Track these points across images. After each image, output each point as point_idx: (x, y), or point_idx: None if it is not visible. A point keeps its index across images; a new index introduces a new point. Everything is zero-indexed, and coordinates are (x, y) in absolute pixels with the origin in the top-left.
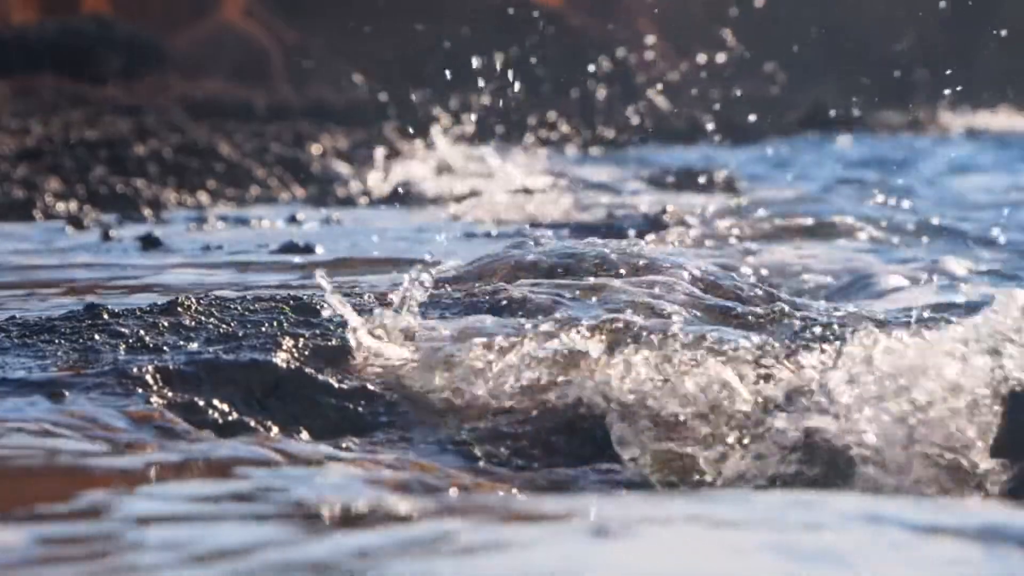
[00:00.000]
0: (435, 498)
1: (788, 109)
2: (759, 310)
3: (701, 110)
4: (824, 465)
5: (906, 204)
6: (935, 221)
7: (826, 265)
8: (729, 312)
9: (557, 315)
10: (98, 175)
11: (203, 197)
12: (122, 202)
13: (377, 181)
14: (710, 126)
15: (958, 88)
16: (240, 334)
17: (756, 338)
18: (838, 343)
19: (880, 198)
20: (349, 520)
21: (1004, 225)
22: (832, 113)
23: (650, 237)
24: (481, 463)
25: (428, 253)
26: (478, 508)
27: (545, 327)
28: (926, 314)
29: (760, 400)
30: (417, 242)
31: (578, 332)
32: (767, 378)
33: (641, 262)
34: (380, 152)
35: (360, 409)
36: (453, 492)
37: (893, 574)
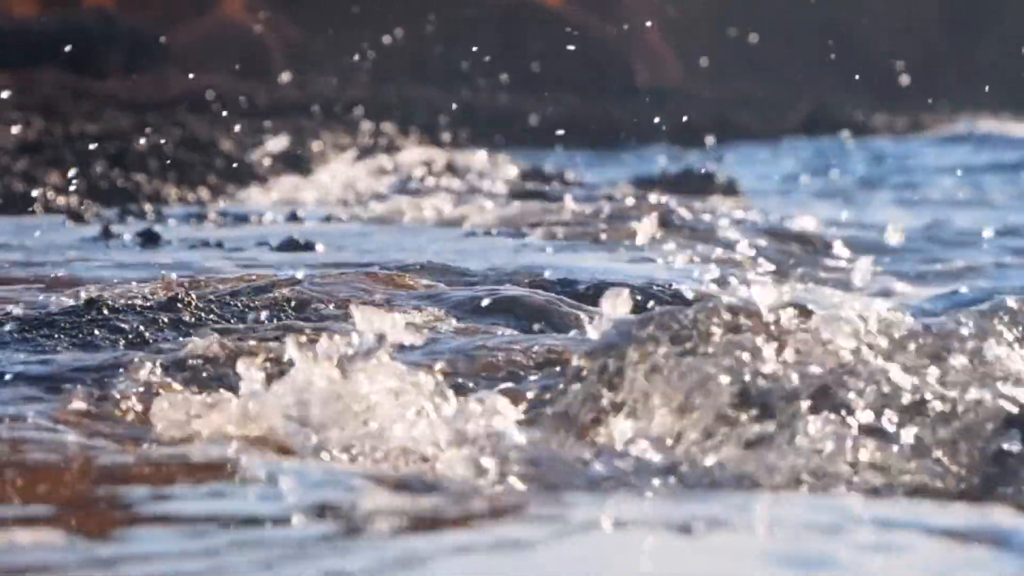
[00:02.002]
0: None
1: (789, 111)
2: None
3: (701, 111)
4: None
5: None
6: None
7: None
8: None
9: None
10: (99, 169)
11: (203, 192)
12: (122, 197)
13: (376, 179)
14: (710, 127)
15: (958, 90)
16: (240, 329)
17: None
18: None
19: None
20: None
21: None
22: (831, 115)
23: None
24: None
25: (432, 254)
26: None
27: None
28: None
29: None
30: (418, 241)
31: None
32: None
33: None
34: (377, 149)
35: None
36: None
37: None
